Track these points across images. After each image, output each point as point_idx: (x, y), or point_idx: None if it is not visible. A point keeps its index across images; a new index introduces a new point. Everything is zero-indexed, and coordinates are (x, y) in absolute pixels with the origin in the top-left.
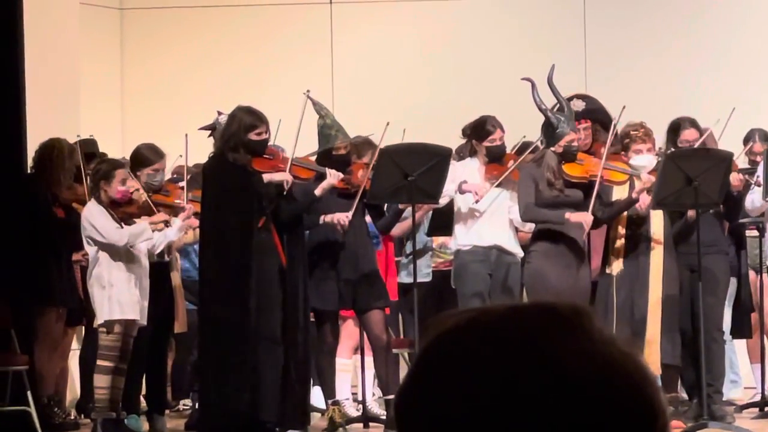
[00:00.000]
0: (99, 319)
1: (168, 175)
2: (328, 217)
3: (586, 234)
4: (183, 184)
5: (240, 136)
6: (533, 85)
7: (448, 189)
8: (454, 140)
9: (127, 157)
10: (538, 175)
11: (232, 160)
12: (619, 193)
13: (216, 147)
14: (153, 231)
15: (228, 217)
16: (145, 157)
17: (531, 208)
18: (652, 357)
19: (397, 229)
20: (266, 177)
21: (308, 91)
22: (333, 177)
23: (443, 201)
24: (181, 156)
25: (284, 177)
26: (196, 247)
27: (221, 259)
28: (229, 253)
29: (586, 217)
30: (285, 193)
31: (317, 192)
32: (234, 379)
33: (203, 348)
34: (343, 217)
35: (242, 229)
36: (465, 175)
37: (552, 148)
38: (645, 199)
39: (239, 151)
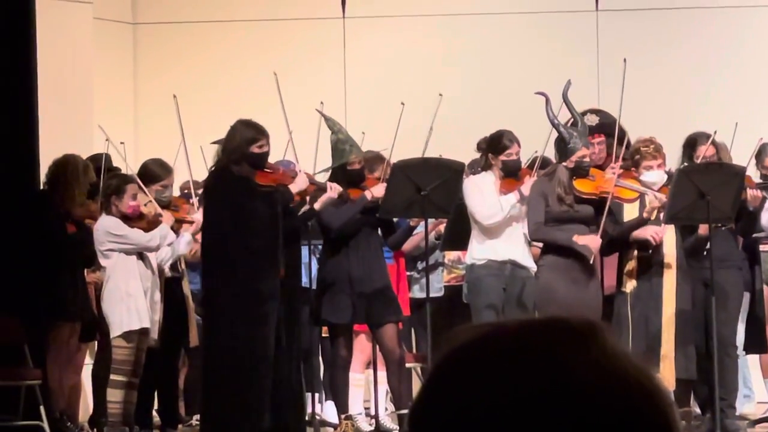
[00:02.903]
0: (117, 331)
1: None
2: (368, 193)
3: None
4: (194, 200)
5: (242, 150)
6: (547, 100)
7: (504, 204)
8: (466, 154)
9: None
10: (548, 190)
11: (237, 173)
12: (629, 211)
13: (218, 161)
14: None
15: (231, 232)
16: (153, 173)
17: (540, 227)
18: (668, 372)
19: (408, 245)
20: (293, 188)
21: (322, 103)
22: (333, 191)
23: (514, 212)
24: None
25: (304, 184)
26: None
27: (224, 273)
28: (232, 267)
29: (594, 242)
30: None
31: (316, 206)
32: (233, 393)
33: (204, 363)
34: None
35: (245, 243)
36: (484, 188)
37: (564, 163)
38: (659, 231)
39: (242, 165)
